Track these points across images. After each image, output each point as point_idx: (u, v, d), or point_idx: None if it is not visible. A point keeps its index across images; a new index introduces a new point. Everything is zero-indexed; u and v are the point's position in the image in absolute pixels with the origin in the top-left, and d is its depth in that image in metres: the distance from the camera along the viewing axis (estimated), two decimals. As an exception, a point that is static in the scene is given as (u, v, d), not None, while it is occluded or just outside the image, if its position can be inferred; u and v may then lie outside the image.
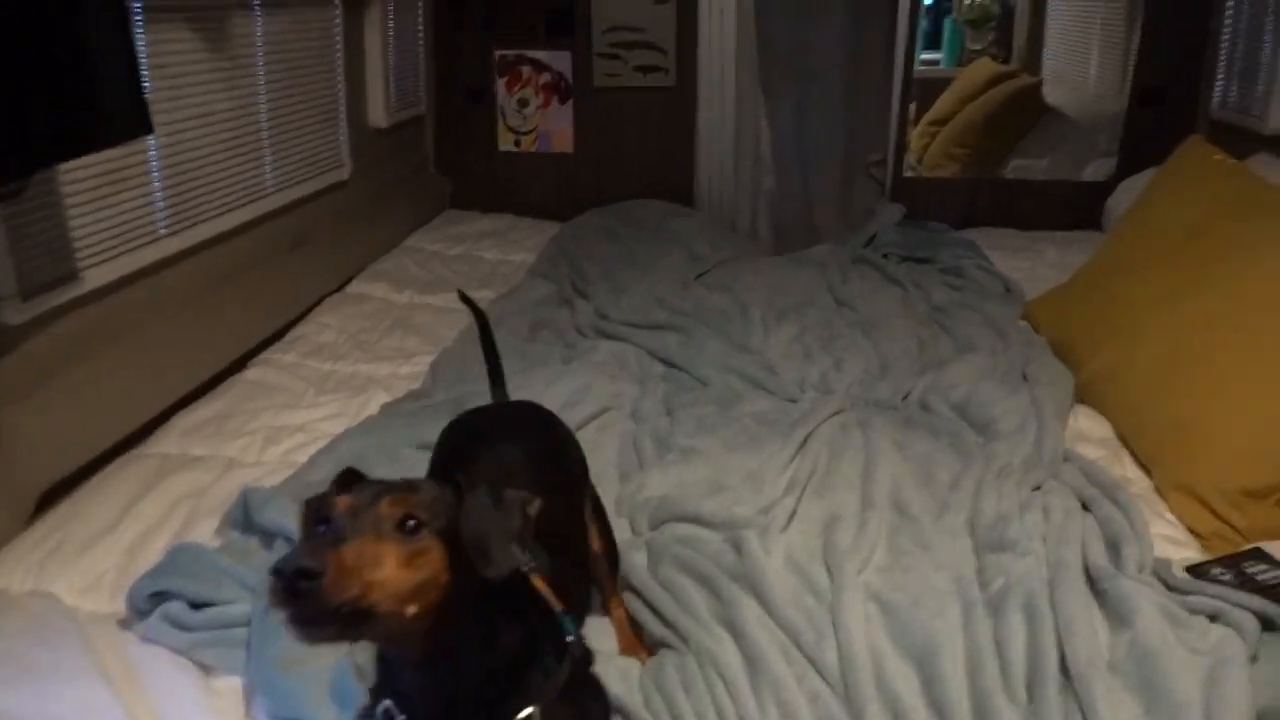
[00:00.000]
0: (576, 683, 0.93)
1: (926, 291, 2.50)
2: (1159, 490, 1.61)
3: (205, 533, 1.52)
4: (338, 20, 2.65)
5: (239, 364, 2.15)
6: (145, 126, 1.47)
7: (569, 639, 0.93)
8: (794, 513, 1.46)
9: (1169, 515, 1.54)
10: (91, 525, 1.51)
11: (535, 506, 0.87)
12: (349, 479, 0.88)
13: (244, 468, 1.74)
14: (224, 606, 1.26)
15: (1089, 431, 1.82)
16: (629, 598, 1.34)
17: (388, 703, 0.87)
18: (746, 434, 1.79)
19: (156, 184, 1.93)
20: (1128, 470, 1.69)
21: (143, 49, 1.81)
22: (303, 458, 1.77)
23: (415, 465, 1.66)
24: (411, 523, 0.80)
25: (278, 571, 0.73)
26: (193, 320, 2.02)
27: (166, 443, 1.80)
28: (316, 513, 0.82)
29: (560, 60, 3.36)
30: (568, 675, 0.91)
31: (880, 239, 2.93)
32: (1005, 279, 2.56)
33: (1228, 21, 2.84)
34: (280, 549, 1.40)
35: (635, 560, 1.39)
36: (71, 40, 1.31)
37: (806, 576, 1.30)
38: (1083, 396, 1.92)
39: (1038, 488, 1.53)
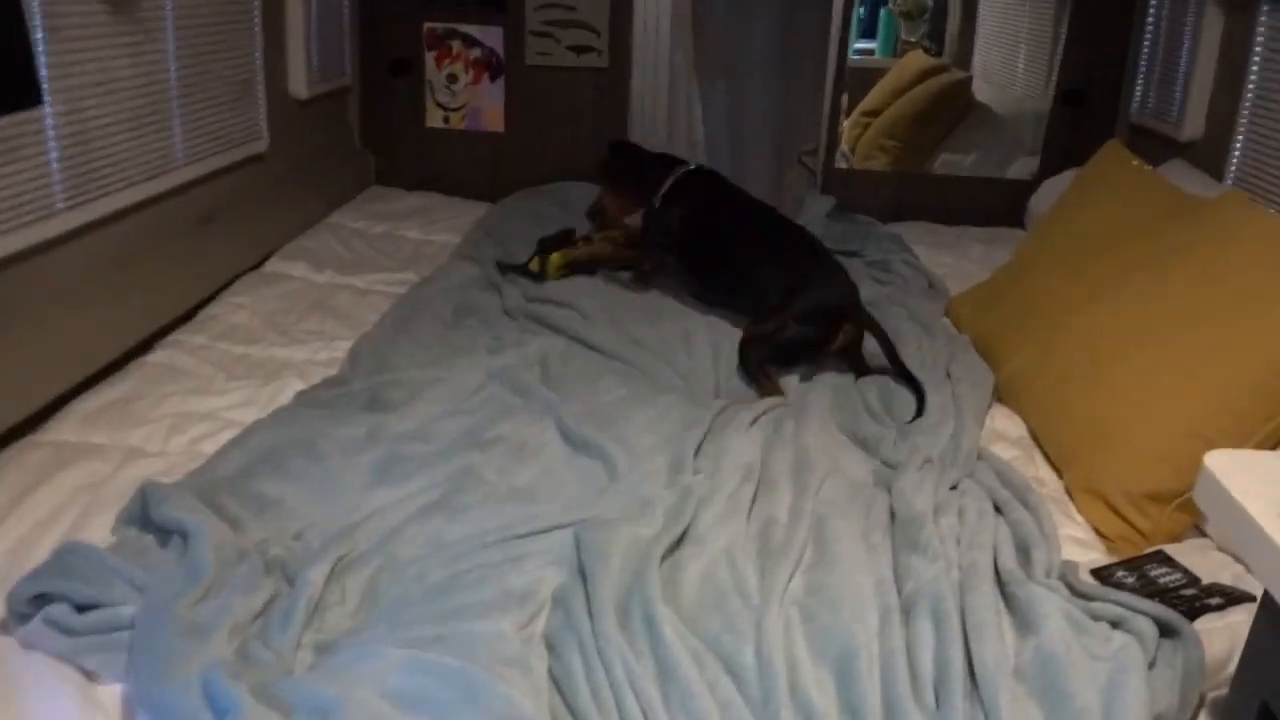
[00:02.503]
0: None
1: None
2: (1069, 491, 1.65)
3: (102, 527, 1.45)
4: (256, -16, 2.54)
5: (145, 346, 2.06)
6: (34, 97, 1.38)
7: None
8: (722, 512, 1.46)
9: (1078, 517, 1.58)
10: (-24, 519, 1.43)
11: None
12: None
13: (146, 457, 1.67)
14: (112, 608, 1.20)
15: (1005, 431, 1.85)
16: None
17: None
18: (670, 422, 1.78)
19: (53, 155, 1.82)
20: (1040, 471, 1.72)
21: (36, 11, 1.70)
22: (210, 448, 1.70)
23: (334, 459, 1.62)
24: None
25: None
26: (94, 299, 1.92)
27: (64, 429, 1.71)
28: None
29: (492, 36, 3.28)
30: None
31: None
32: (929, 275, 2.60)
33: (1148, 28, 2.91)
34: (177, 546, 1.35)
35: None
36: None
37: (737, 578, 1.30)
38: (1001, 396, 1.96)
39: (954, 487, 1.56)
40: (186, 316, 2.22)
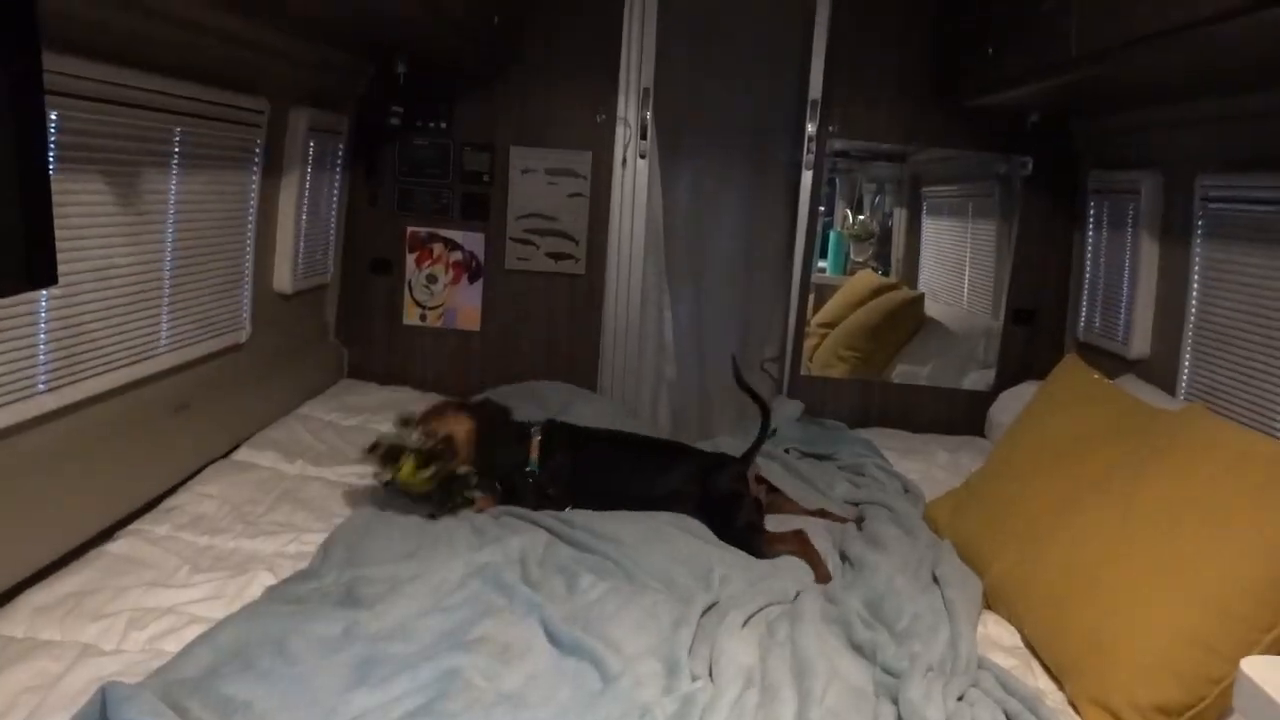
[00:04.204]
0: None
1: (831, 487, 2.54)
2: (1073, 703, 1.60)
3: (49, 735, 1.32)
4: (255, 185, 2.62)
5: (105, 535, 1.95)
6: (50, 276, 1.38)
7: None
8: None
9: (1087, 730, 1.53)
10: (-91, 724, 1.29)
11: None
12: None
13: (100, 656, 1.55)
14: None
15: (999, 638, 1.82)
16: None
17: None
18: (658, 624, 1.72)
19: (41, 337, 1.80)
20: (1039, 680, 1.68)
21: (51, 197, 1.73)
22: (171, 645, 1.59)
23: (308, 659, 1.51)
24: None
25: None
26: (59, 485, 1.84)
27: (12, 624, 1.59)
28: None
29: (473, 240, 3.41)
30: None
31: (780, 434, 2.98)
32: (903, 479, 2.63)
33: (1088, 255, 3.14)
34: (140, 758, 1.22)
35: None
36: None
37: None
38: (989, 602, 1.94)
39: (960, 697, 1.50)
40: (150, 504, 2.13)
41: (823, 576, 2.06)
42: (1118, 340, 2.87)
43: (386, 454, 2.17)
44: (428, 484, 2.18)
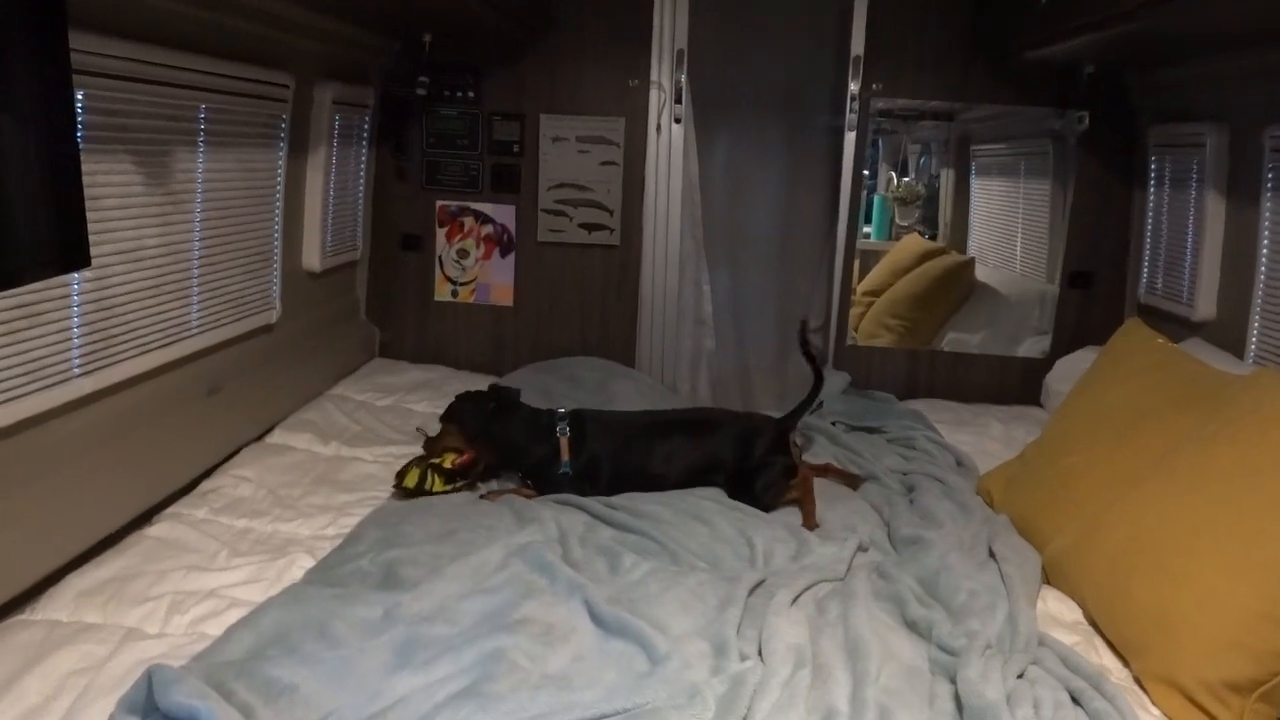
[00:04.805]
0: None
1: (878, 460, 2.53)
2: (1139, 681, 1.59)
3: (99, 715, 1.36)
4: (281, 162, 2.65)
5: (143, 519, 2.00)
6: (83, 259, 1.40)
7: None
8: (780, 701, 1.39)
9: (1153, 709, 1.52)
10: (-39, 707, 1.34)
11: None
12: None
13: (144, 639, 1.59)
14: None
15: (1059, 615, 1.81)
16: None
17: None
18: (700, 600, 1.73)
19: (75, 320, 1.84)
20: (1104, 658, 1.67)
21: (81, 179, 1.76)
22: (214, 629, 1.63)
23: (350, 642, 1.55)
24: None
25: None
26: (96, 468, 1.88)
27: (57, 608, 1.64)
28: None
29: (504, 213, 3.41)
30: None
31: (826, 407, 2.97)
32: (956, 452, 2.61)
33: (1149, 214, 3.07)
34: (189, 739, 1.26)
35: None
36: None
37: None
38: (1049, 577, 1.92)
39: (1020, 675, 1.50)
40: (187, 488, 2.18)
41: (810, 524, 2.18)
42: (1182, 302, 2.81)
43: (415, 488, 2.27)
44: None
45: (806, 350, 2.54)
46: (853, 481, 2.44)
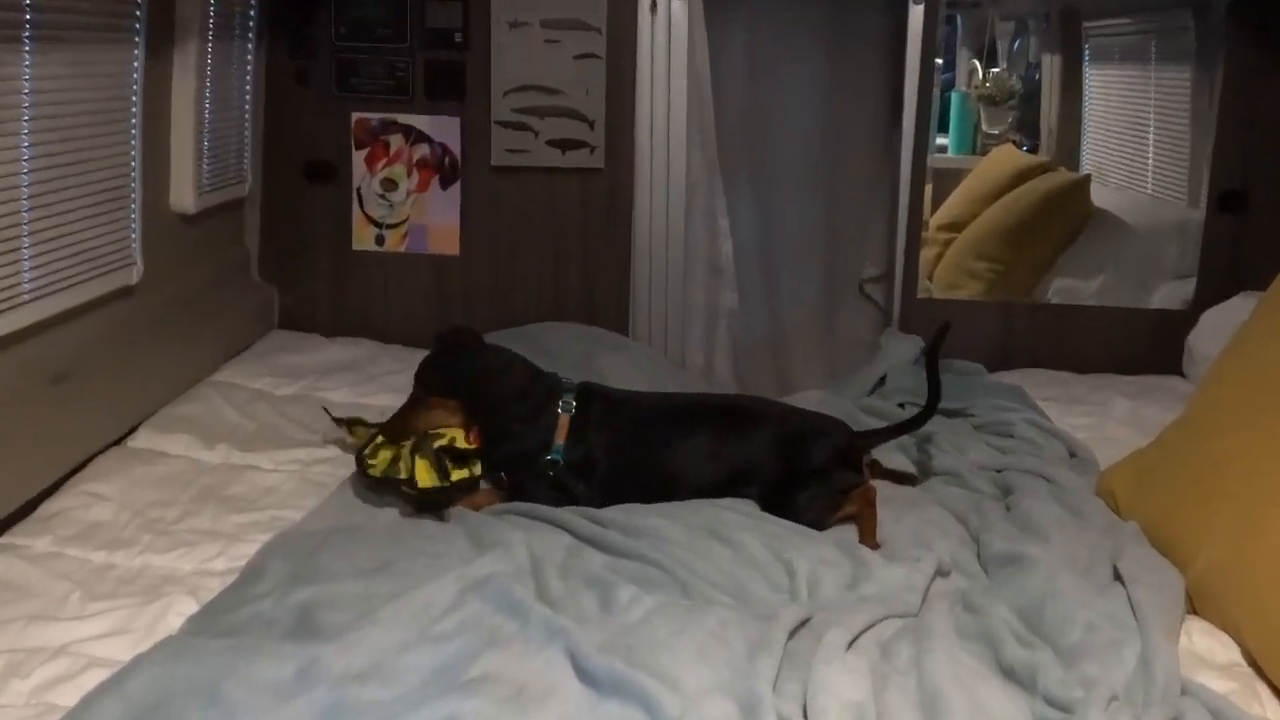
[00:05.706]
0: None
1: (963, 453, 2.55)
2: (1316, 739, 1.62)
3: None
4: (136, 65, 2.65)
5: (-35, 554, 2.03)
6: None
7: None
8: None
9: (1337, 776, 1.55)
10: None
11: None
12: None
13: (-28, 715, 1.61)
14: None
15: (1209, 654, 1.83)
16: None
17: None
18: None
19: None
20: (1268, 710, 1.69)
21: None
22: (65, 698, 1.65)
23: (252, 711, 1.57)
24: None
25: None
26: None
27: None
28: None
29: (444, 128, 3.42)
30: None
31: (892, 383, 2.99)
32: (1068, 440, 2.63)
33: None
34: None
35: None
36: None
37: None
38: (1194, 605, 1.95)
39: (1157, 736, 1.52)
40: (22, 511, 2.20)
41: (870, 543, 2.19)
42: (1372, 229, 2.83)
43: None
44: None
45: (932, 362, 2.52)
46: (909, 480, 2.48)
